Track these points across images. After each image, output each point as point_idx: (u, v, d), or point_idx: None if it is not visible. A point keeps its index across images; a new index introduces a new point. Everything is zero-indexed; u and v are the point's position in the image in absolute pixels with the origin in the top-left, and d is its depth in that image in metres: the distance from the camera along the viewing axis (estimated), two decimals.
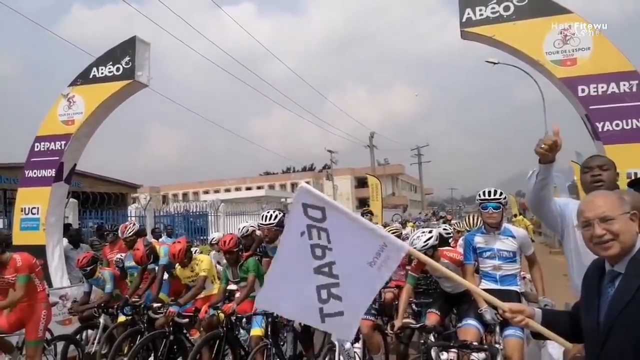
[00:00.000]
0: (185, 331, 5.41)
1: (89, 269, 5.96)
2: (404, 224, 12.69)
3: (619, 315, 1.68)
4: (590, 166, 2.93)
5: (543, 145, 2.52)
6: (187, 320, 5.18)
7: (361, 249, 2.14)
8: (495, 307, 2.83)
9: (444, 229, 6.74)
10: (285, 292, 2.25)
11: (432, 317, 4.57)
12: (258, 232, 6.45)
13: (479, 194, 4.27)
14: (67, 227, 8.68)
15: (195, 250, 7.11)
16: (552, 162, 2.62)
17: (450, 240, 6.94)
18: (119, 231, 6.52)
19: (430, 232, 4.57)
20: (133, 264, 6.01)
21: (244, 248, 5.83)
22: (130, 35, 7.67)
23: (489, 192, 4.20)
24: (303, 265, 2.18)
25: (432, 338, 4.20)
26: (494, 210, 4.14)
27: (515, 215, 19.88)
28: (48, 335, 5.74)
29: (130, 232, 6.22)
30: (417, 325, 4.42)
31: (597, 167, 2.89)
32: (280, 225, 5.14)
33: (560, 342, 2.02)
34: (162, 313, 5.22)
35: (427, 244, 4.38)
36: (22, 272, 4.62)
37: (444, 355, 3.94)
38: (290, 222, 2.24)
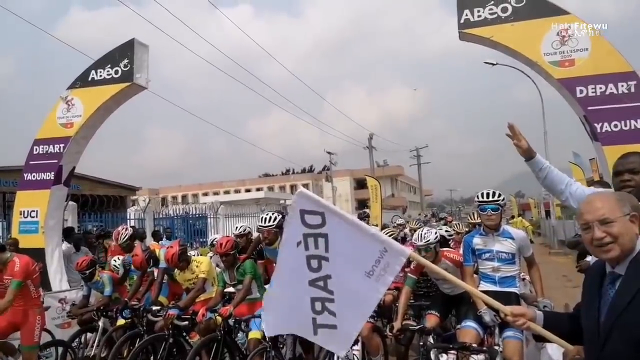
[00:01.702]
0: (184, 334, 5.39)
1: (88, 272, 5.95)
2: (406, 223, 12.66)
3: (619, 317, 1.67)
4: (620, 171, 2.75)
5: (514, 141, 2.85)
6: (186, 322, 5.17)
7: (360, 256, 2.12)
8: (494, 309, 2.82)
9: (446, 231, 6.79)
10: (283, 307, 2.24)
11: (431, 319, 4.57)
12: (254, 234, 6.45)
13: (477, 196, 4.28)
14: (68, 231, 8.66)
15: (196, 253, 7.12)
16: (531, 157, 2.87)
17: (450, 242, 6.98)
18: (113, 237, 6.50)
19: (435, 232, 4.59)
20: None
21: (240, 248, 5.82)
22: (127, 37, 7.69)
23: (487, 194, 4.20)
24: (298, 276, 2.17)
25: (431, 340, 4.19)
26: (492, 212, 4.15)
27: (513, 217, 19.90)
28: (49, 338, 5.74)
29: (124, 238, 6.19)
30: (417, 327, 4.43)
31: (627, 171, 2.70)
32: (279, 227, 5.13)
33: (562, 344, 2.02)
34: (161, 316, 5.21)
35: (428, 240, 4.42)
36: (16, 277, 4.60)
37: (444, 357, 3.94)
38: (287, 231, 2.23)
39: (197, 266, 5.55)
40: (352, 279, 2.12)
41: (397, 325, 4.29)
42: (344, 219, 2.15)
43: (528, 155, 2.85)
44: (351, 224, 2.15)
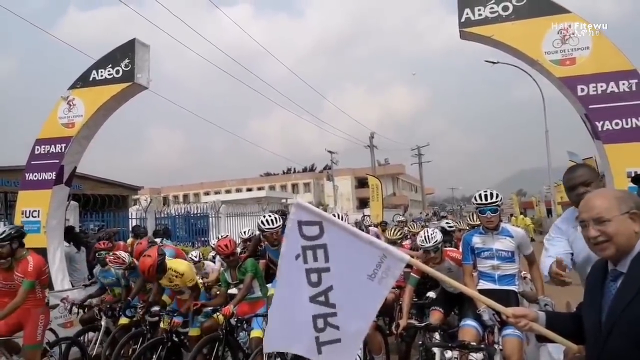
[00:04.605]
0: (182, 337, 5.36)
1: (105, 253, 6.08)
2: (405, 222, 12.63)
3: (620, 315, 1.67)
4: (573, 185, 2.82)
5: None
6: (188, 329, 5.21)
7: (361, 260, 2.11)
8: (496, 310, 2.83)
9: (446, 223, 6.78)
10: (285, 324, 2.23)
11: (435, 315, 4.61)
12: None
13: (475, 198, 4.28)
14: (69, 230, 8.68)
15: (198, 253, 7.16)
16: None
17: (453, 237, 6.98)
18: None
19: (440, 233, 4.62)
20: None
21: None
22: (127, 36, 7.70)
23: (485, 196, 4.19)
24: (299, 293, 2.15)
25: (437, 336, 4.21)
26: (492, 214, 4.16)
27: (512, 215, 19.82)
28: (53, 337, 5.75)
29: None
30: (422, 325, 4.44)
31: (581, 184, 2.78)
32: (283, 227, 5.13)
33: (566, 344, 2.01)
34: (160, 315, 5.20)
35: (437, 241, 4.47)
36: (29, 278, 4.55)
37: (448, 353, 3.96)
38: (286, 243, 2.20)
39: (176, 276, 5.20)
40: (354, 284, 2.12)
41: (402, 323, 4.32)
42: (342, 228, 2.15)
43: None
44: (349, 232, 2.15)
